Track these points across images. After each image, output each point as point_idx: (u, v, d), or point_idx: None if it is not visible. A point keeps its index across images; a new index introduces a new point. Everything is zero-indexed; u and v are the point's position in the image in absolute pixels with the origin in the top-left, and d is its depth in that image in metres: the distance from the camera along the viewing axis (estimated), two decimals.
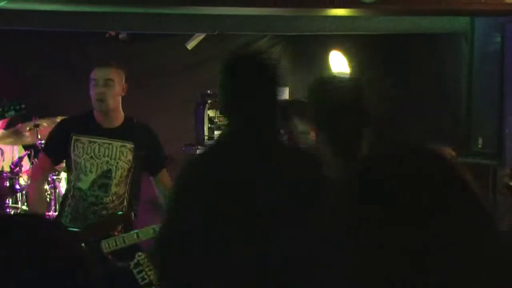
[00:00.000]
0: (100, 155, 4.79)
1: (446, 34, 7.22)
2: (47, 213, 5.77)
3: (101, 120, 4.82)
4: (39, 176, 5.11)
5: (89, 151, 4.76)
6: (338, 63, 7.02)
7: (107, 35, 7.70)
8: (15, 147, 6.49)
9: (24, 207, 5.81)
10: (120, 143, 4.83)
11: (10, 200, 6.10)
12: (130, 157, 4.84)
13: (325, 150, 3.12)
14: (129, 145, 4.85)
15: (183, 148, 6.62)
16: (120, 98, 4.91)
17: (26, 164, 6.08)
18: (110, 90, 4.82)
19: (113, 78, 4.93)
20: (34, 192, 5.12)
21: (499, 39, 6.29)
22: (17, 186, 6.04)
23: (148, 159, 4.95)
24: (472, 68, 6.63)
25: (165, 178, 4.90)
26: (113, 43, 7.74)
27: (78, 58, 7.32)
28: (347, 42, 7.37)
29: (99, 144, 4.81)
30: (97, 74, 4.91)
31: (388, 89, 7.76)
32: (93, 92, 4.83)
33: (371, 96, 3.44)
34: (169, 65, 8.09)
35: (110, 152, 4.78)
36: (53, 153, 4.91)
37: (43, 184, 5.33)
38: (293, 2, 5.52)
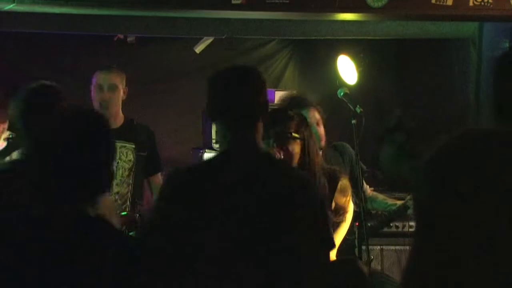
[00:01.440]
0: None
1: (455, 39, 7.22)
2: None
3: None
4: None
5: None
6: (346, 67, 7.01)
7: (115, 38, 7.71)
8: None
9: None
10: (120, 143, 4.86)
11: None
12: (131, 157, 4.87)
13: None
14: (130, 146, 4.88)
15: (191, 152, 6.63)
16: (121, 100, 4.95)
17: None
18: (114, 95, 4.86)
19: (117, 83, 4.96)
20: None
21: (507, 45, 6.28)
22: None
23: (148, 160, 4.97)
24: (480, 73, 6.61)
25: (160, 182, 4.91)
26: (121, 46, 7.75)
27: (86, 61, 7.33)
28: (355, 47, 7.37)
29: None
30: (101, 79, 4.94)
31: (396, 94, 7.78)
32: (97, 97, 4.86)
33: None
34: (177, 68, 8.10)
35: None
36: None
37: None
38: (301, 6, 5.52)
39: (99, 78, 4.99)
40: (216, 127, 3.10)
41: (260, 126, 3.01)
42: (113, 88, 4.92)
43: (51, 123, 2.56)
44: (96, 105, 4.85)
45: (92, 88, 4.97)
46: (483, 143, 1.70)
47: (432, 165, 1.80)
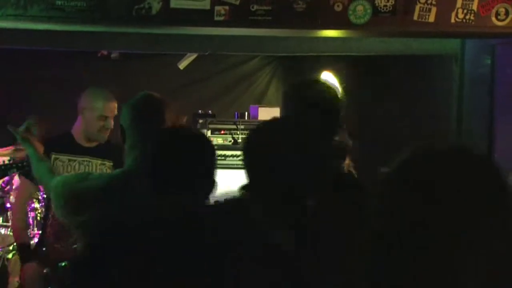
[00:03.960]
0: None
1: (437, 56, 7.25)
2: (32, 232, 5.80)
3: (81, 140, 4.85)
4: (20, 197, 5.10)
5: (69, 169, 4.79)
6: None
7: (99, 55, 7.73)
8: None
9: None
10: (99, 161, 4.86)
11: (1, 218, 6.11)
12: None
13: None
14: (108, 163, 4.88)
15: None
16: None
17: (16, 183, 6.09)
18: (112, 122, 4.88)
19: (116, 111, 4.93)
20: (16, 210, 5.12)
21: (489, 62, 6.32)
22: (8, 205, 6.05)
23: None
24: (463, 90, 6.64)
25: None
26: (105, 62, 7.77)
27: (70, 77, 7.34)
28: (338, 63, 7.41)
29: (79, 162, 4.84)
30: (108, 110, 4.88)
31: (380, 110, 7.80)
32: (98, 124, 4.81)
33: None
34: (161, 84, 8.11)
35: (90, 169, 4.81)
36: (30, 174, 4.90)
37: (25, 205, 5.29)
38: (284, 23, 5.54)
39: (105, 108, 4.88)
40: None
41: None
42: (112, 116, 4.92)
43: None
44: (92, 129, 4.83)
45: (91, 113, 4.88)
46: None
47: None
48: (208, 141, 2.94)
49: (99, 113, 4.81)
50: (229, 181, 5.44)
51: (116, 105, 4.92)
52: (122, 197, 3.27)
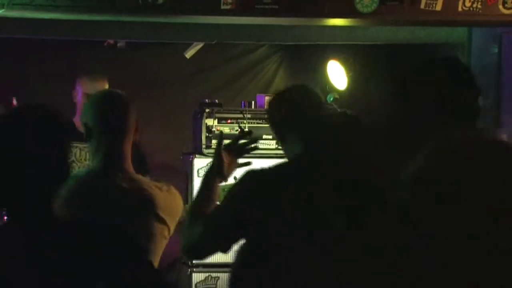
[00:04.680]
0: (81, 159, 4.84)
1: (444, 44, 7.25)
2: None
3: (80, 128, 4.88)
4: None
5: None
6: (336, 72, 7.05)
7: (105, 44, 7.72)
8: None
9: None
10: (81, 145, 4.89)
11: None
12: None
13: None
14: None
15: (181, 157, 6.64)
16: None
17: None
18: None
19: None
20: None
21: (496, 50, 6.31)
22: None
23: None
24: None
25: None
26: (111, 52, 7.77)
27: (76, 67, 7.34)
28: (345, 52, 7.40)
29: (80, 149, 4.87)
30: (89, 87, 4.95)
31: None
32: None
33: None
34: (167, 73, 8.13)
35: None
36: None
37: None
38: (291, 12, 5.55)
39: (86, 86, 5.00)
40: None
41: None
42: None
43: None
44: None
45: (79, 95, 4.96)
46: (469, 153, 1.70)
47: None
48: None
49: (82, 91, 4.87)
50: (236, 171, 5.45)
51: (103, 83, 4.96)
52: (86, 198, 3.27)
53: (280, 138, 3.44)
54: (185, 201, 6.13)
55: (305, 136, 3.25)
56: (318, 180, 3.05)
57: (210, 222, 3.22)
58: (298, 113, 3.31)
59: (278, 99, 3.44)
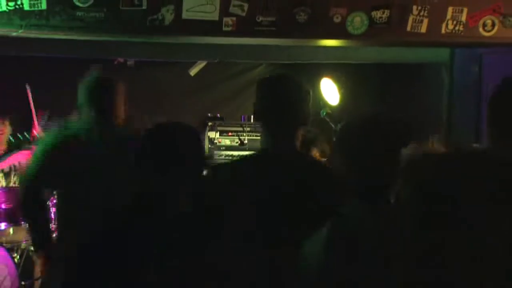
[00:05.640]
0: None
1: (429, 64, 7.25)
2: (53, 226, 5.81)
3: None
4: None
5: None
6: (329, 89, 7.02)
7: (116, 62, 7.72)
8: None
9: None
10: None
11: None
12: None
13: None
14: None
15: None
16: None
17: None
18: None
19: None
20: None
21: (476, 69, 6.31)
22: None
23: None
24: (452, 96, 6.65)
25: None
26: (121, 69, 7.76)
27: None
28: (337, 70, 7.39)
29: None
30: None
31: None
32: None
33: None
34: (173, 89, 8.12)
35: None
36: None
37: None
38: (287, 33, 5.55)
39: None
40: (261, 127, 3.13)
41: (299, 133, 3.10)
42: None
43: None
44: None
45: None
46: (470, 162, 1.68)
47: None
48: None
49: None
50: None
51: None
52: None
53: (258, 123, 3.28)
54: None
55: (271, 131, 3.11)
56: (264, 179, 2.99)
57: None
58: (271, 107, 3.08)
59: (262, 86, 3.17)
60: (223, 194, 2.96)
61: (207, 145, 6.44)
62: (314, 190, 2.96)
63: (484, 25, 5.65)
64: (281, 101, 3.03)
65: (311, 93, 3.17)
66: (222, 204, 2.89)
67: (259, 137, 6.21)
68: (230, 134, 6.43)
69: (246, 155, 3.43)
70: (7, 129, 6.35)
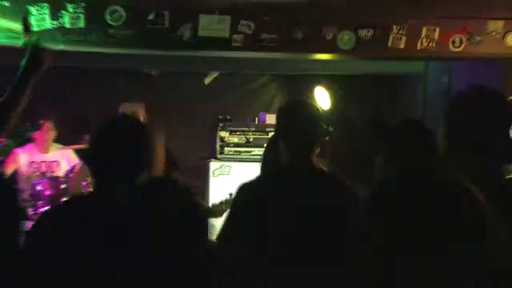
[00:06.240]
0: None
1: (407, 75, 7.29)
2: None
3: None
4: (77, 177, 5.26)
5: None
6: (322, 96, 7.10)
7: (143, 72, 7.81)
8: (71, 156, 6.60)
9: None
10: None
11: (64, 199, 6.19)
12: None
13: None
14: None
15: (199, 160, 6.71)
16: None
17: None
18: None
19: (137, 110, 5.07)
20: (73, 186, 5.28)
21: (446, 80, 6.32)
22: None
23: None
24: (426, 104, 6.64)
25: None
26: (147, 79, 7.84)
27: (118, 91, 7.39)
28: (329, 80, 7.46)
29: None
30: (125, 108, 5.04)
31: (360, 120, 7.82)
32: None
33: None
34: (190, 96, 8.18)
35: None
36: None
37: (80, 182, 5.50)
38: (286, 48, 5.60)
39: (123, 107, 5.11)
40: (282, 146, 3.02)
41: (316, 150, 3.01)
42: (135, 115, 5.03)
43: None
44: None
45: None
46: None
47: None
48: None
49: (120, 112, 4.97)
50: (243, 172, 5.64)
51: (139, 106, 5.04)
52: None
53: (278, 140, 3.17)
54: (203, 196, 6.24)
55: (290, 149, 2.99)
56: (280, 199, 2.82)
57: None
58: (289, 129, 2.99)
59: (283, 111, 3.09)
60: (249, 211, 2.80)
61: (218, 142, 6.53)
62: (339, 207, 2.81)
63: (453, 42, 5.68)
64: (302, 123, 2.95)
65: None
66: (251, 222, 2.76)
67: (262, 136, 6.34)
68: (238, 133, 6.49)
69: (269, 173, 3.28)
70: (52, 132, 6.45)
